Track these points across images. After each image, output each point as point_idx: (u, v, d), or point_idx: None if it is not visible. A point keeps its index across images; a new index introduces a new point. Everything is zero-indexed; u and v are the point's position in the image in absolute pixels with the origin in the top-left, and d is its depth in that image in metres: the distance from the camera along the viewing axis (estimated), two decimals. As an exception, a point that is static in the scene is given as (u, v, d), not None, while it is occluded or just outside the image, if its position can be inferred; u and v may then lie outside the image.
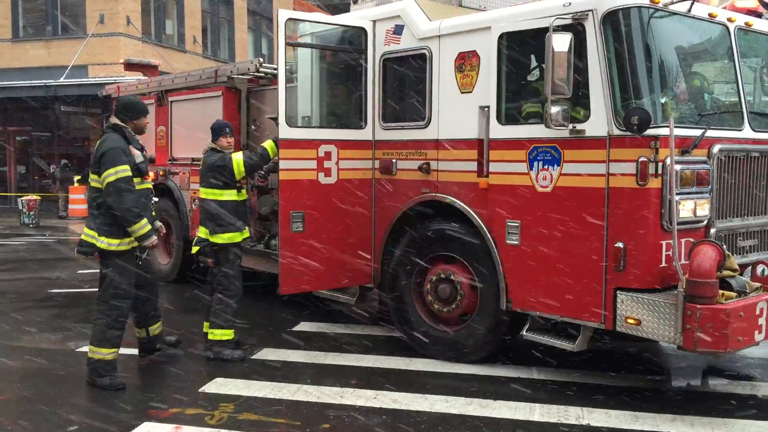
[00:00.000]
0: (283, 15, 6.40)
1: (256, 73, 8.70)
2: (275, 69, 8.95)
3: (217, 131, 6.77)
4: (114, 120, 5.90)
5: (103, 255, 5.79)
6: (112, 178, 5.57)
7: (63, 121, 24.45)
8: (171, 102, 9.91)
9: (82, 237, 5.84)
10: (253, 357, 6.53)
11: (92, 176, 5.82)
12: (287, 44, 6.43)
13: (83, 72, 21.99)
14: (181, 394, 5.53)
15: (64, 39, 22.93)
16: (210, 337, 6.49)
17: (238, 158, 6.58)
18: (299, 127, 6.78)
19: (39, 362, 6.44)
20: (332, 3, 29.69)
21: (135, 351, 6.81)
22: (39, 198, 20.30)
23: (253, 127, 9.00)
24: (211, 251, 6.56)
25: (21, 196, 20.53)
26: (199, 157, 9.21)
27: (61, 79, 21.59)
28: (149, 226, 5.76)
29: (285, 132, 6.41)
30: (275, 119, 8.43)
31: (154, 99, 10.22)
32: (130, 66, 12.47)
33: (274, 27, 30.50)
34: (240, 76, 8.83)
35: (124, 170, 5.60)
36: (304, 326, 7.69)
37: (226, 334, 6.47)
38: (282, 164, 6.43)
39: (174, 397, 5.46)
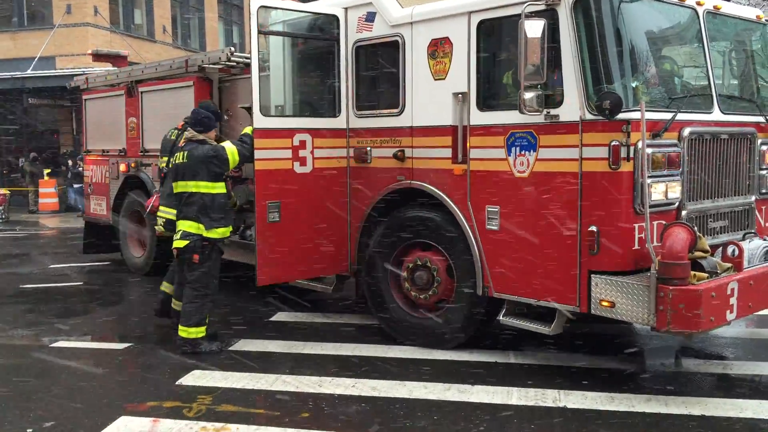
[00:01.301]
0: (255, 3, 6.32)
1: (227, 63, 8.60)
2: (247, 58, 8.87)
3: (209, 124, 6.62)
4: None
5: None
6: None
7: (31, 113, 24.02)
8: (141, 93, 9.77)
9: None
10: (231, 348, 6.50)
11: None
12: (260, 33, 6.36)
13: (51, 63, 21.59)
14: (158, 388, 5.49)
15: (31, 30, 22.49)
16: (184, 335, 6.34)
17: (232, 148, 6.43)
18: (273, 116, 6.72)
19: (13, 359, 6.35)
20: (303, -9, 29.46)
21: (110, 345, 6.76)
22: (8, 192, 19.95)
23: (226, 117, 8.91)
24: (199, 246, 6.33)
25: (-10, 191, 20.15)
26: (173, 148, 9.17)
27: (28, 71, 21.19)
28: None
29: (259, 122, 6.34)
30: (248, 109, 8.36)
31: (123, 90, 10.09)
32: (98, 57, 12.27)
33: (245, 15, 30.26)
34: (211, 66, 8.73)
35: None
36: (281, 316, 7.68)
37: (200, 332, 6.35)
38: (257, 154, 6.36)
39: (151, 391, 5.43)
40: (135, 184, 10.03)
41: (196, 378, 5.67)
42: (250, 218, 8.53)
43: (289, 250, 6.52)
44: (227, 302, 8.29)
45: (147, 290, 9.32)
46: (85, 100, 11.25)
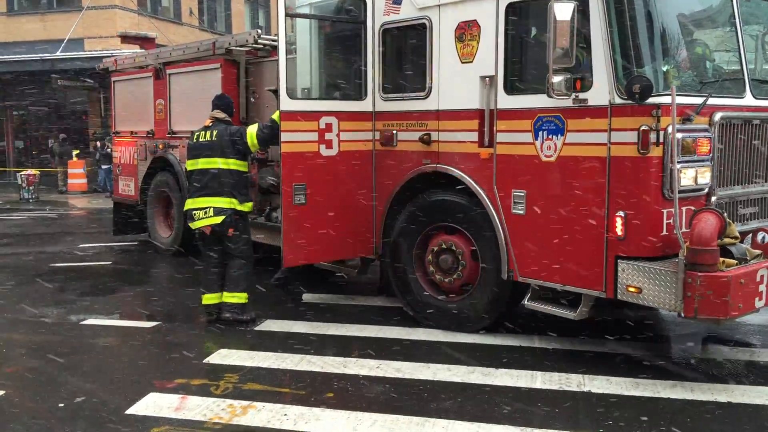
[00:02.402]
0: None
1: (254, 45, 8.64)
2: (274, 41, 8.89)
3: (232, 111, 7.14)
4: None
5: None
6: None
7: (60, 95, 24.33)
8: (169, 75, 9.85)
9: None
10: (257, 328, 6.58)
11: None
12: (287, 15, 6.36)
13: (79, 45, 21.81)
14: (186, 365, 5.59)
15: (60, 12, 22.71)
16: (229, 300, 6.69)
17: (252, 131, 6.71)
18: (299, 99, 6.74)
19: (44, 335, 6.49)
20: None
21: (139, 323, 6.87)
22: (38, 173, 20.27)
23: (252, 99, 8.96)
24: (233, 220, 6.65)
25: (20, 171, 20.49)
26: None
27: (58, 53, 21.42)
28: None
29: (286, 104, 6.35)
30: (274, 91, 8.39)
31: (151, 72, 10.17)
32: (126, 39, 12.37)
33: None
34: (238, 48, 8.77)
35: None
36: (306, 297, 7.74)
37: (243, 297, 6.73)
38: (283, 137, 6.39)
39: (179, 369, 5.52)
40: (163, 166, 10.12)
41: (222, 357, 5.76)
42: (276, 200, 8.60)
43: (314, 233, 6.56)
44: (254, 283, 8.36)
45: (174, 270, 9.45)
46: (114, 81, 11.36)
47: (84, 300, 7.83)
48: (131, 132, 10.84)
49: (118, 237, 11.71)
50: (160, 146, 10.06)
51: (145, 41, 11.99)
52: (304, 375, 5.35)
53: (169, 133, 9.89)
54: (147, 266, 9.87)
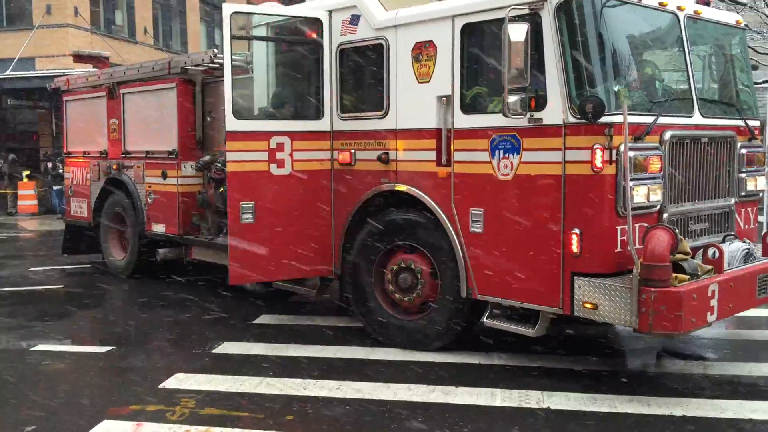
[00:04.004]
0: (227, 9, 6.40)
1: (210, 65, 8.58)
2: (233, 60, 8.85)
3: None
4: None
5: None
6: None
7: (10, 115, 23.74)
8: (123, 94, 9.71)
9: None
10: (214, 351, 6.47)
11: None
12: (233, 38, 6.45)
13: (30, 64, 21.35)
14: (141, 391, 5.45)
15: (10, 31, 22.22)
16: None
17: None
18: (247, 119, 6.81)
19: (-8, 362, 6.28)
20: (286, -7, 29.39)
21: (92, 348, 6.70)
22: (-14, 194, 19.70)
23: (208, 119, 8.89)
24: None
25: (-33, 193, 19.90)
26: (154, 149, 9.15)
27: (7, 72, 20.94)
28: None
29: (231, 125, 6.43)
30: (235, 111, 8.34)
31: (105, 92, 10.03)
32: (79, 58, 12.18)
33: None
34: (194, 68, 8.71)
35: None
36: (265, 319, 7.65)
37: None
38: (229, 156, 6.50)
39: (133, 394, 5.38)
40: (117, 186, 9.95)
41: (179, 381, 5.63)
42: (234, 221, 8.52)
43: (264, 251, 6.58)
44: (211, 305, 8.25)
45: (128, 293, 9.26)
46: (66, 101, 11.15)
47: (34, 325, 7.60)
48: (84, 152, 10.64)
49: (69, 259, 11.43)
50: (114, 167, 9.89)
51: (98, 60, 11.81)
52: (263, 398, 5.27)
53: (123, 154, 9.73)
54: (100, 289, 9.64)
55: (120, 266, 10.08)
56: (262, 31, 7.22)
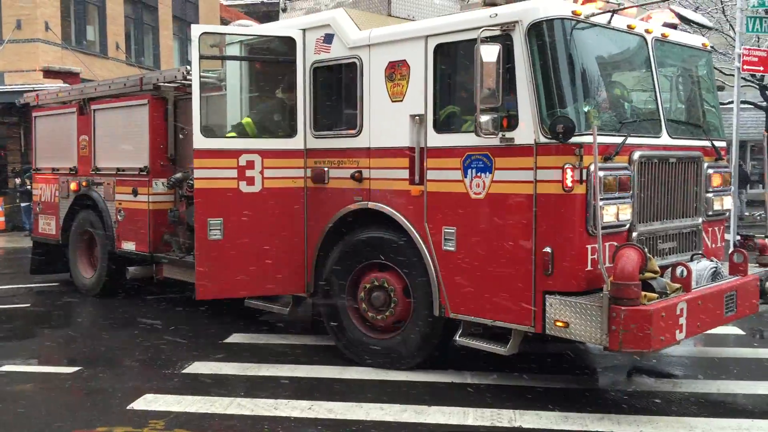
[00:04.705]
0: (196, 30, 6.48)
1: (183, 81, 8.53)
2: (203, 77, 8.83)
3: None
4: None
5: None
6: None
7: (-23, 130, 23.34)
8: (94, 110, 9.61)
9: None
10: (184, 371, 6.38)
11: None
12: (202, 57, 6.58)
13: (-1, 79, 21.07)
14: (109, 412, 5.35)
15: (-22, 45, 21.92)
16: None
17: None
18: (219, 137, 6.88)
19: (-46, 384, 6.13)
20: (261, 10, 29.42)
21: (59, 369, 6.56)
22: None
23: (181, 136, 8.83)
24: None
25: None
26: (125, 166, 9.07)
27: (-25, 87, 20.62)
28: None
29: (198, 142, 6.55)
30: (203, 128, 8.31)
31: (75, 108, 9.92)
32: (49, 73, 12.12)
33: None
34: (167, 84, 8.65)
35: None
36: (236, 338, 7.57)
37: None
38: (197, 173, 6.59)
39: (101, 416, 5.28)
40: (86, 203, 9.82)
41: (147, 402, 5.54)
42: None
43: (232, 267, 6.62)
44: (181, 324, 8.15)
45: (97, 312, 9.11)
46: (35, 117, 11.02)
47: (2, 344, 7.44)
48: (53, 169, 10.49)
49: (36, 278, 11.22)
50: (84, 183, 9.77)
51: (68, 76, 11.78)
52: (234, 419, 5.21)
53: (93, 170, 9.62)
54: (68, 308, 9.48)
55: (89, 285, 9.92)
56: (235, 49, 7.22)
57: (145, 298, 9.54)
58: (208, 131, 6.61)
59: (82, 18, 23.87)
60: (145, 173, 8.78)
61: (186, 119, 8.72)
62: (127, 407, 5.44)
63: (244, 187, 6.66)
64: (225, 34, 7.11)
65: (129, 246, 9.06)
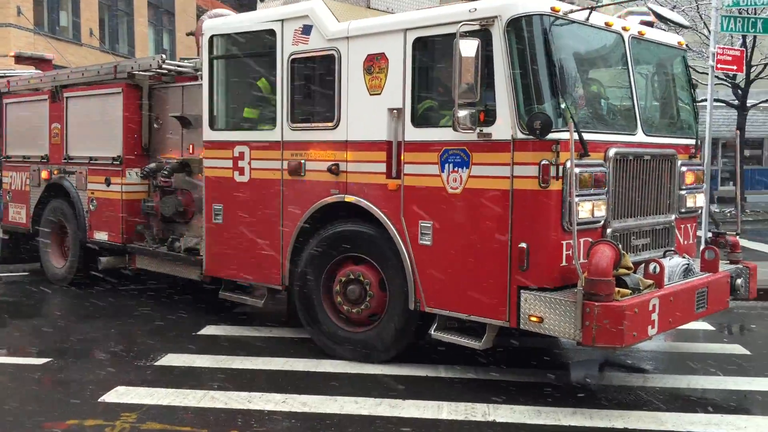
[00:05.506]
0: (208, 31, 7.14)
1: (158, 70, 8.44)
2: (179, 66, 8.76)
3: None
4: None
5: None
6: None
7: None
8: (66, 98, 9.47)
9: None
10: (157, 363, 6.32)
11: None
12: (213, 59, 7.12)
13: (-32, 64, 20.63)
14: (79, 405, 5.28)
15: (-53, 28, 21.44)
16: None
17: None
18: (218, 129, 7.22)
19: None
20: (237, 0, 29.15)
21: (28, 360, 6.47)
22: None
23: (156, 125, 8.73)
24: None
25: None
26: (98, 155, 8.96)
27: (-56, 71, 20.17)
28: None
29: (208, 135, 7.21)
30: (179, 117, 8.25)
31: (47, 95, 9.76)
32: (21, 59, 11.83)
33: (177, 22, 29.71)
34: (142, 73, 8.54)
35: None
36: (210, 330, 7.52)
37: None
38: (206, 163, 7.26)
39: (71, 408, 5.21)
40: (58, 192, 9.68)
41: (119, 395, 5.48)
42: (179, 229, 8.39)
43: (229, 250, 7.11)
44: (154, 315, 8.07)
45: (68, 302, 8.99)
46: (6, 104, 10.80)
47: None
48: (24, 157, 10.31)
49: (5, 267, 11.03)
50: (55, 172, 9.62)
51: (41, 62, 11.50)
52: (207, 412, 5.17)
53: (65, 159, 9.48)
54: (38, 299, 9.34)
55: (60, 275, 9.78)
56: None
57: (117, 289, 9.43)
58: (211, 124, 7.16)
59: (55, 3, 23.48)
60: (118, 163, 8.67)
61: (161, 108, 8.63)
62: (99, 400, 5.37)
63: (237, 176, 7.05)
64: (230, 34, 7.22)
65: (101, 236, 8.95)
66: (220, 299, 7.47)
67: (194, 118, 7.94)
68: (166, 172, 8.20)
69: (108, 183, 8.77)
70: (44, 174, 9.83)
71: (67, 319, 8.22)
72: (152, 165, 8.52)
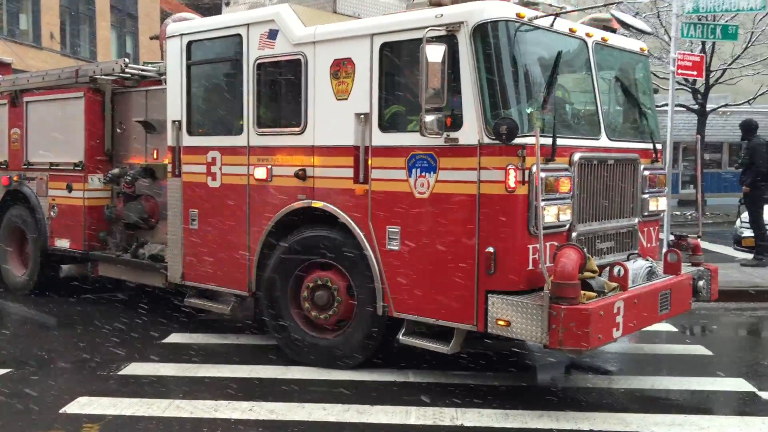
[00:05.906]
0: (185, 39, 7.04)
1: (121, 74, 8.32)
2: (143, 70, 8.65)
3: None
4: None
5: None
6: None
7: None
8: (26, 103, 9.30)
9: None
10: (120, 373, 6.21)
11: None
12: (190, 64, 7.06)
13: (-76, 67, 20.11)
14: (40, 416, 5.16)
15: None
16: None
17: None
18: (193, 135, 7.15)
19: None
20: (204, 3, 28.88)
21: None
22: None
23: (119, 130, 8.60)
24: None
25: None
26: (59, 161, 8.79)
27: None
28: None
29: (186, 140, 7.13)
30: (143, 122, 8.14)
31: (7, 99, 9.56)
32: (-22, 63, 11.56)
33: (139, 25, 29.32)
34: (104, 77, 8.42)
35: None
36: (175, 338, 7.41)
37: None
38: (184, 168, 7.17)
39: (32, 420, 5.09)
40: (17, 199, 9.47)
41: (81, 405, 5.37)
42: (143, 236, 8.27)
43: (203, 256, 7.05)
44: (117, 323, 7.93)
45: (28, 311, 8.79)
46: (-37, 108, 10.54)
47: None
48: (-19, 162, 10.08)
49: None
50: (15, 178, 9.42)
51: (0, 66, 11.25)
52: (172, 422, 5.09)
53: (25, 165, 9.30)
54: (-3, 307, 9.12)
55: (20, 283, 9.56)
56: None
57: (80, 298, 9.25)
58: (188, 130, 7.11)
59: (14, 6, 23.02)
60: (80, 168, 8.53)
61: (124, 113, 8.52)
62: (60, 411, 5.25)
63: (209, 182, 7.02)
64: (204, 40, 7.12)
65: (63, 243, 8.78)
66: (186, 307, 7.37)
67: (158, 123, 7.85)
68: (129, 178, 8.08)
69: (70, 189, 8.62)
70: (3, 180, 9.62)
71: (27, 329, 8.04)
72: (115, 170, 8.40)
